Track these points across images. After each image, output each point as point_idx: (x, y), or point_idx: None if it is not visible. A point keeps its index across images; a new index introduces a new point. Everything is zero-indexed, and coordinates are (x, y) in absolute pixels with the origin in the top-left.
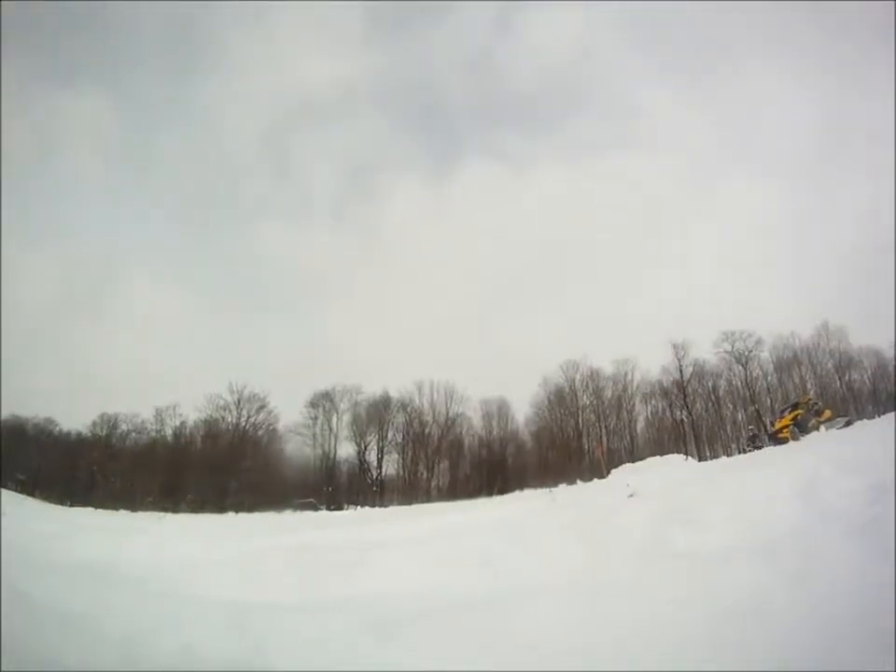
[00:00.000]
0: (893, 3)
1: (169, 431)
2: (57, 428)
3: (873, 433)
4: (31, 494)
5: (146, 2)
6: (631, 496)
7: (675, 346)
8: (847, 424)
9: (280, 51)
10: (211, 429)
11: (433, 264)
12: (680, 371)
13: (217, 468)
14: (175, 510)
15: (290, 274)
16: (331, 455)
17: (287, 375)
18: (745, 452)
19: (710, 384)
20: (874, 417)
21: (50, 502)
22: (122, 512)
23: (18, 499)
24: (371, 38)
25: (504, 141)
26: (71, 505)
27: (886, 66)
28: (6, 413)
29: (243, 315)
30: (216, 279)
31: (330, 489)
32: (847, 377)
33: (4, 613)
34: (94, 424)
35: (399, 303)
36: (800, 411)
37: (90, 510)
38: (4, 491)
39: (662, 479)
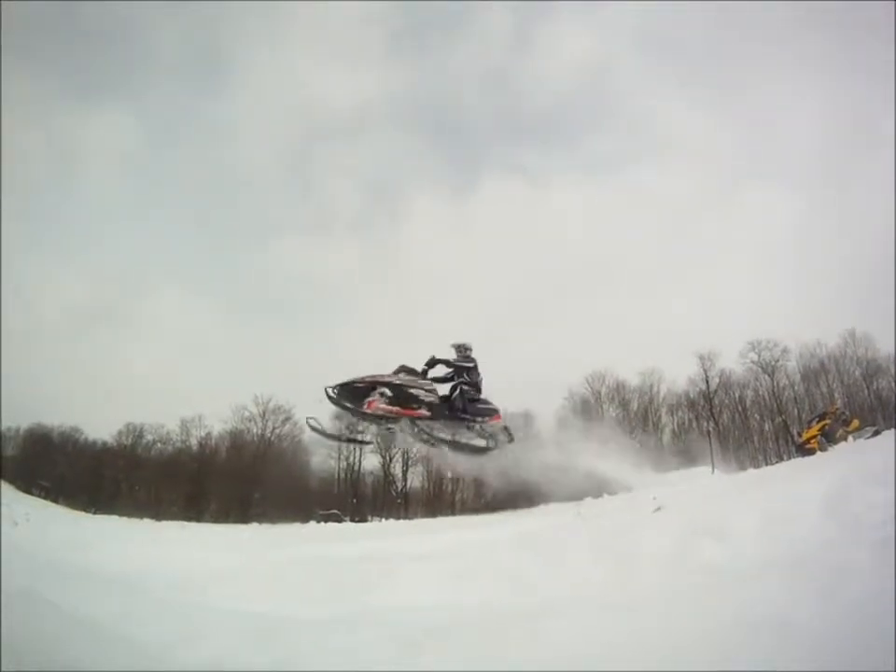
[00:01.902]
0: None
1: (194, 442)
2: (82, 437)
3: None
4: (55, 501)
5: (167, 19)
6: (657, 509)
7: (701, 357)
8: (876, 433)
9: (300, 68)
10: (236, 440)
11: (454, 277)
12: (707, 381)
13: (241, 478)
14: (199, 519)
15: (313, 288)
16: (356, 468)
17: (312, 387)
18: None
19: (737, 394)
20: None
21: (75, 510)
22: (146, 521)
23: (42, 505)
24: (389, 55)
25: (523, 156)
26: (95, 513)
27: None
28: (31, 421)
29: (267, 327)
30: (239, 292)
31: (355, 501)
32: (874, 385)
33: (26, 619)
34: (119, 433)
35: (421, 317)
36: (827, 421)
37: (114, 517)
38: (28, 497)
39: (688, 492)
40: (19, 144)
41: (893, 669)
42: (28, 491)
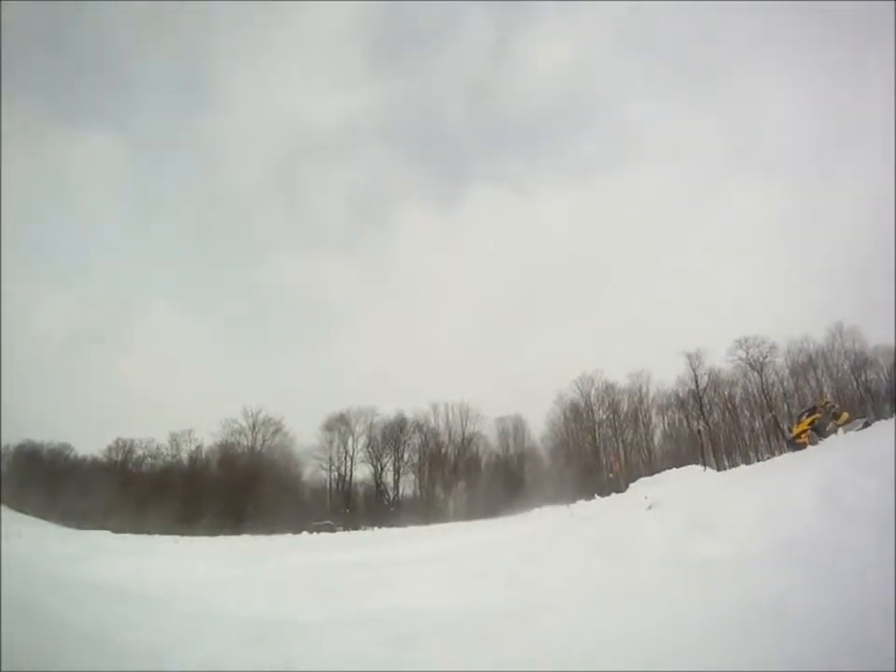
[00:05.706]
0: (893, 2)
1: (185, 456)
2: (72, 454)
3: (891, 432)
4: (47, 518)
5: (153, 42)
6: (649, 507)
7: (689, 356)
8: (866, 425)
9: (284, 87)
10: (227, 453)
11: (444, 287)
12: (696, 380)
13: (233, 491)
14: (192, 533)
15: (303, 302)
16: (348, 478)
17: (302, 400)
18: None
19: (726, 392)
20: (892, 416)
21: (67, 527)
22: (139, 536)
23: (34, 523)
24: (372, 71)
25: (508, 164)
26: (87, 529)
27: (885, 63)
28: (21, 439)
29: (257, 342)
30: (229, 308)
31: (348, 511)
32: (863, 377)
33: (24, 632)
34: (110, 449)
35: (410, 327)
36: (817, 415)
37: (106, 533)
38: (20, 515)
39: (680, 489)
40: (9, 168)
41: (894, 653)
42: (19, 509)
